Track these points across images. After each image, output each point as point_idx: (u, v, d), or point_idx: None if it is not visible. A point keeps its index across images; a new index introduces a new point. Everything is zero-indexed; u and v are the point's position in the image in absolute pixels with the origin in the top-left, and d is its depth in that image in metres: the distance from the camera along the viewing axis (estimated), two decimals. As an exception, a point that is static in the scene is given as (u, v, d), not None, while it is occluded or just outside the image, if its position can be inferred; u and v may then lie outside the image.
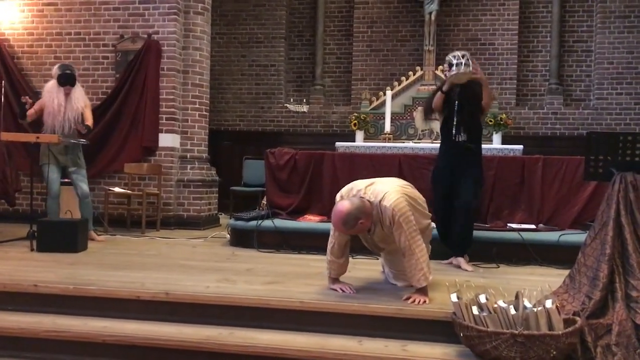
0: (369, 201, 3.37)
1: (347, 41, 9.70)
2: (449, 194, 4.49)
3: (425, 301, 3.28)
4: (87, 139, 5.64)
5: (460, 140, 4.41)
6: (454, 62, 4.28)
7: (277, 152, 5.81)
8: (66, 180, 5.65)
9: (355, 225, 3.32)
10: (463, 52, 4.36)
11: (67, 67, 5.47)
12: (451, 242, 4.56)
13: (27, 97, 5.42)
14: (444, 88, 4.41)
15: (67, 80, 5.36)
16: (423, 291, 3.34)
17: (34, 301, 3.52)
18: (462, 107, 4.38)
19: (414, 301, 3.27)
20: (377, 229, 3.45)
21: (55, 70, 5.48)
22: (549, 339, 2.64)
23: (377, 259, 4.77)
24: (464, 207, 4.38)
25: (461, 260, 4.46)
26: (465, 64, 4.25)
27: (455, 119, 4.38)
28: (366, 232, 3.50)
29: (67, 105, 5.36)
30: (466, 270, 4.35)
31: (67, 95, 5.38)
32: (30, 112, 5.44)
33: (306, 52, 9.90)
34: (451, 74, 4.32)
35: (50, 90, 5.43)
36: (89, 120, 5.48)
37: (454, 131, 4.40)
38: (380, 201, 3.34)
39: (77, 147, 5.53)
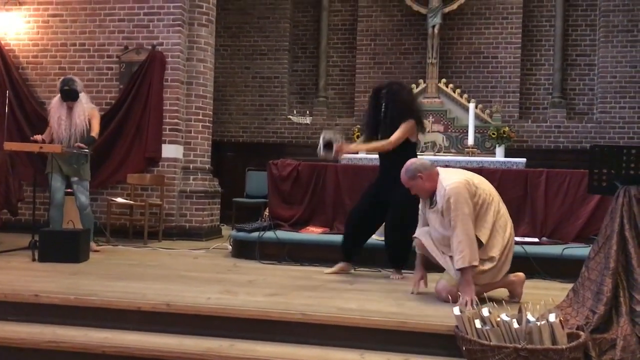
0: (438, 176, 3.60)
1: (350, 54, 9.73)
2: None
3: (471, 300, 3.31)
4: (91, 149, 5.64)
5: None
6: (318, 145, 4.41)
7: (280, 163, 5.81)
8: (69, 190, 5.66)
9: (415, 177, 3.61)
10: (325, 135, 4.38)
11: (66, 82, 5.45)
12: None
13: (36, 135, 5.48)
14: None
15: (67, 96, 5.40)
16: (465, 284, 3.37)
17: (34, 311, 3.51)
18: (386, 112, 4.45)
19: (461, 304, 3.28)
20: (436, 207, 3.58)
21: (58, 85, 5.52)
22: (552, 353, 2.61)
23: (380, 271, 4.76)
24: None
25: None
26: (322, 147, 4.37)
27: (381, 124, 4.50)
28: (428, 201, 3.67)
29: (69, 120, 5.39)
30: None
31: (70, 109, 5.42)
32: (46, 135, 5.54)
33: (309, 65, 9.94)
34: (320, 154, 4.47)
35: (54, 106, 5.49)
36: (94, 131, 5.48)
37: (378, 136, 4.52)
38: (441, 181, 3.55)
39: (82, 157, 5.51)
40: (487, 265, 3.52)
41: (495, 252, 3.52)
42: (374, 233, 4.70)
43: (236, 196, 8.13)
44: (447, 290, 3.57)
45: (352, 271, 4.72)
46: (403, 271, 4.56)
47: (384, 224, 4.58)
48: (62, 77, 5.71)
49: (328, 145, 4.38)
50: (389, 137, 4.40)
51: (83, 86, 5.64)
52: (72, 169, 5.48)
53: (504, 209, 3.65)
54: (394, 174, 4.35)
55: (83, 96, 5.51)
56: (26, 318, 3.49)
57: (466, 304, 3.31)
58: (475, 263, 3.39)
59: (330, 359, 3.01)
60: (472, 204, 3.46)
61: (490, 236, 3.52)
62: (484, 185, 3.62)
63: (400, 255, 4.53)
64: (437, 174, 3.64)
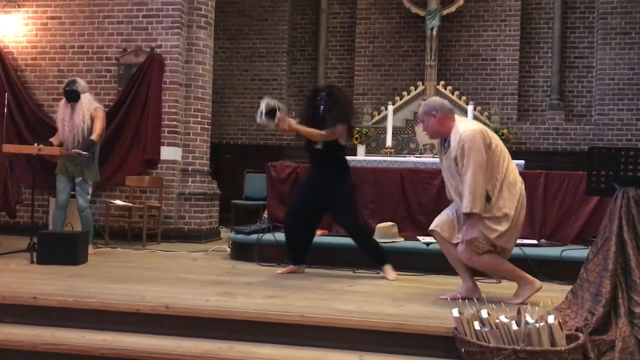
0: (453, 122, 3.61)
1: (349, 56, 9.74)
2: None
3: (471, 238, 3.44)
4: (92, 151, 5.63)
5: (318, 147, 4.57)
6: (258, 109, 4.35)
7: (279, 165, 5.81)
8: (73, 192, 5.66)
9: (429, 114, 3.65)
10: (268, 102, 4.31)
11: (67, 83, 5.53)
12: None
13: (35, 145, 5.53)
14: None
15: (68, 97, 5.45)
16: (469, 227, 3.45)
17: (33, 314, 3.50)
18: (325, 114, 4.50)
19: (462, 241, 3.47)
20: (449, 152, 3.59)
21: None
22: (551, 355, 2.61)
23: (379, 273, 4.76)
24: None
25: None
26: (266, 115, 4.29)
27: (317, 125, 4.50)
28: (441, 147, 3.72)
29: (72, 121, 5.43)
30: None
31: (74, 109, 5.45)
32: (55, 138, 5.58)
33: (308, 67, 9.94)
34: (257, 121, 4.43)
35: (60, 107, 5.55)
36: (95, 133, 5.48)
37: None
38: (457, 127, 3.58)
39: (86, 158, 5.50)
40: (504, 225, 3.54)
41: (508, 209, 3.55)
42: (314, 235, 4.78)
43: (235, 198, 8.13)
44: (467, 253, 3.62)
45: (304, 271, 4.78)
46: (399, 273, 4.58)
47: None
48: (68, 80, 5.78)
49: (271, 112, 4.27)
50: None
51: (87, 87, 5.66)
52: (77, 170, 5.49)
53: (513, 165, 3.68)
54: (327, 177, 4.55)
55: (85, 97, 5.51)
56: (24, 320, 3.48)
57: (469, 243, 3.45)
58: (476, 211, 3.42)
59: (329, 360, 3.01)
60: (485, 154, 3.49)
61: (500, 192, 3.54)
62: (497, 140, 3.65)
63: (379, 252, 4.65)
64: (453, 120, 3.65)
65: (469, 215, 3.47)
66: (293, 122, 4.46)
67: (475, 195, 3.42)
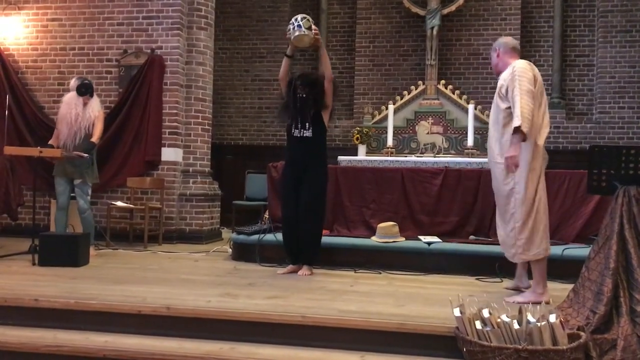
0: (512, 61, 3.79)
1: (349, 56, 9.74)
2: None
3: (510, 156, 3.49)
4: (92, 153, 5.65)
5: (304, 135, 4.58)
6: (294, 24, 4.40)
7: (280, 165, 5.80)
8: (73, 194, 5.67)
9: (495, 48, 3.95)
10: (304, 15, 4.47)
11: (85, 78, 5.67)
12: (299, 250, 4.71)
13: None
14: (288, 52, 4.64)
15: (86, 89, 5.48)
16: (512, 142, 3.52)
17: (34, 316, 3.51)
18: (307, 101, 4.57)
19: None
20: (500, 83, 3.77)
21: (73, 82, 5.62)
22: (553, 354, 2.61)
23: (380, 273, 4.76)
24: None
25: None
26: (304, 26, 4.38)
27: (300, 114, 4.56)
28: (498, 80, 3.83)
29: (83, 115, 5.46)
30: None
31: (85, 105, 5.49)
32: (54, 140, 5.59)
33: (309, 67, 9.92)
34: (294, 35, 4.44)
35: (69, 102, 5.53)
36: (96, 135, 5.50)
37: (298, 126, 4.58)
38: (513, 63, 3.74)
39: (86, 160, 5.51)
40: None
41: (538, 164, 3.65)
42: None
43: (236, 199, 8.13)
44: None
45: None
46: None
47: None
48: (75, 77, 5.84)
49: (308, 27, 4.39)
50: (308, 119, 4.58)
51: None
52: (76, 171, 5.49)
53: (545, 126, 3.72)
54: (307, 161, 4.58)
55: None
56: (26, 322, 3.49)
57: (509, 162, 3.51)
58: (524, 130, 3.47)
59: (330, 361, 3.01)
60: (533, 87, 3.58)
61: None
62: (542, 89, 3.72)
63: (313, 250, 4.67)
64: (513, 59, 3.82)
65: (516, 132, 3.50)
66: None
67: (524, 115, 3.48)
